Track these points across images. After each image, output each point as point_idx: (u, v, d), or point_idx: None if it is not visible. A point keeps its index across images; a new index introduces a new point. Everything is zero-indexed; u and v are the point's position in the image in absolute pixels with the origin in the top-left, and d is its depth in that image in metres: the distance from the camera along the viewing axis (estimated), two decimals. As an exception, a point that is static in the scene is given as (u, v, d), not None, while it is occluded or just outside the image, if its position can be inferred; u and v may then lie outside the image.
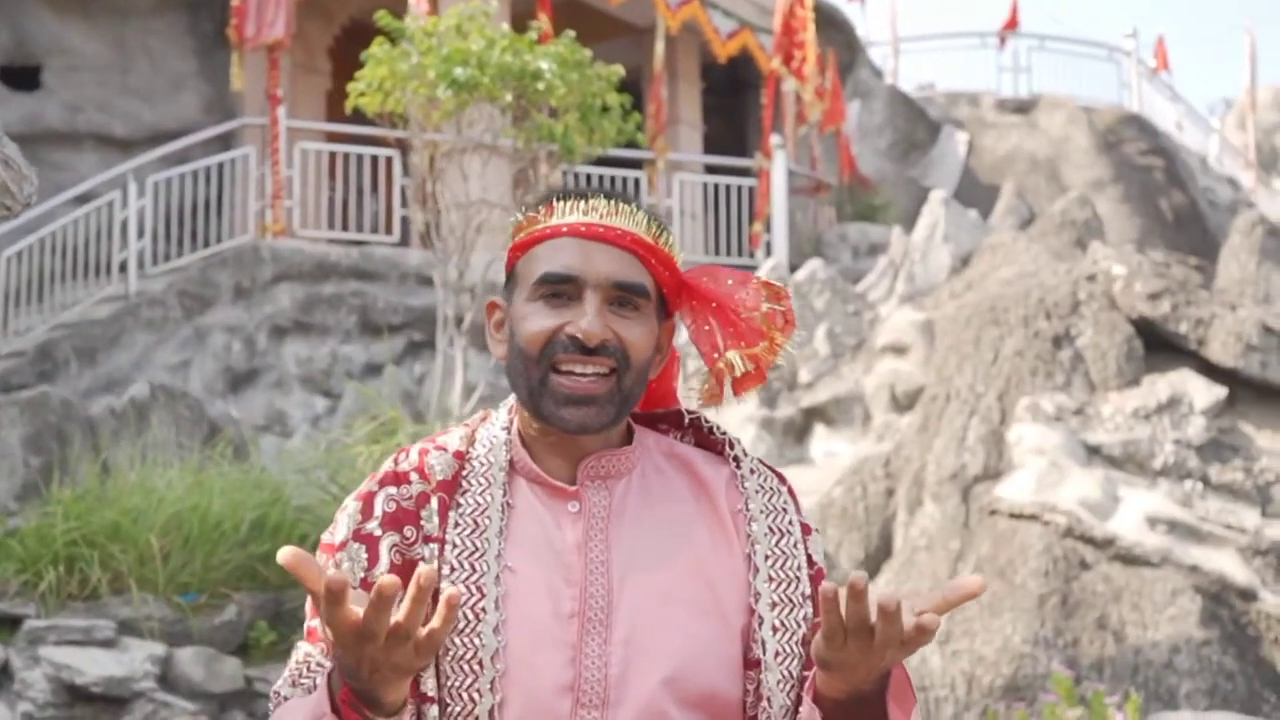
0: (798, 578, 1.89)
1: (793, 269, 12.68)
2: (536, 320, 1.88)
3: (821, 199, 15.48)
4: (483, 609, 1.80)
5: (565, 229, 1.93)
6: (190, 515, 6.75)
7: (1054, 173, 17.36)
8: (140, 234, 12.23)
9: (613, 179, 13.45)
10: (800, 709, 1.81)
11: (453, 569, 1.82)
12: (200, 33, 14.55)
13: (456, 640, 1.79)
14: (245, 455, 8.23)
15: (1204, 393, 8.50)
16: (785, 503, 1.95)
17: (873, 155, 17.07)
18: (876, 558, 8.86)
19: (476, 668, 1.79)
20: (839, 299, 11.65)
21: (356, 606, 1.54)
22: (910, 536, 8.60)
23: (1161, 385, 8.57)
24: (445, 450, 1.92)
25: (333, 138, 13.70)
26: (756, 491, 1.94)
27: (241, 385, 12.03)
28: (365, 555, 1.84)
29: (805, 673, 1.85)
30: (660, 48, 14.40)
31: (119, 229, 12.17)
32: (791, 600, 1.88)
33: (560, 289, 1.88)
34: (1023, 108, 19.03)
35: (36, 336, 11.40)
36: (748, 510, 1.92)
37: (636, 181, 13.86)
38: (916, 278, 11.67)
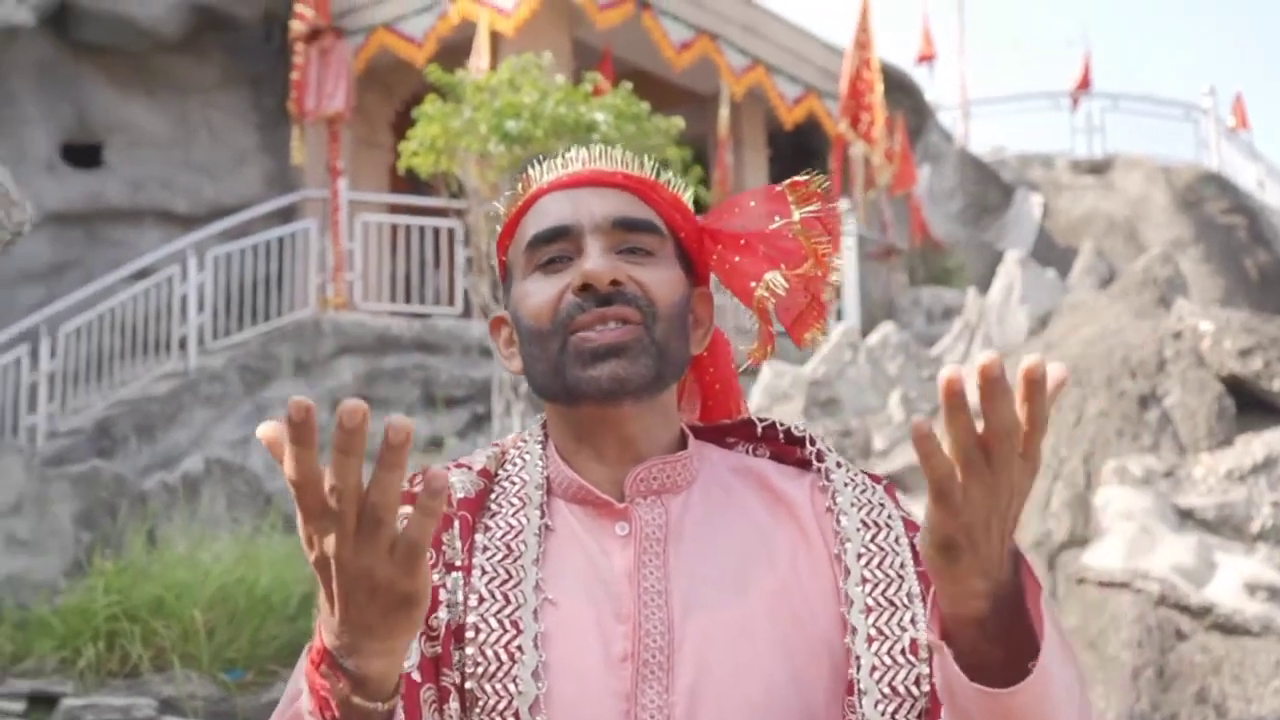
0: (900, 577, 1.52)
1: (865, 335, 12.39)
2: (537, 291, 1.58)
3: (893, 264, 15.19)
4: (518, 648, 1.46)
5: (546, 186, 1.64)
6: (237, 589, 6.49)
7: (1132, 233, 16.99)
8: (200, 309, 12.14)
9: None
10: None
11: (481, 599, 1.49)
12: (263, 108, 14.56)
13: (487, 687, 1.45)
14: (292, 526, 7.99)
15: (1302, 452, 8.12)
16: (881, 498, 1.59)
17: (944, 220, 16.79)
18: (959, 630, 8.54)
19: None
20: (913, 363, 11.34)
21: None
22: (994, 608, 8.29)
23: (1256, 445, 8.21)
24: (469, 469, 1.60)
25: (395, 210, 13.60)
26: (845, 485, 1.59)
27: (303, 461, 11.83)
28: None
29: (914, 688, 1.48)
30: (725, 113, 14.24)
31: (179, 305, 12.07)
32: (892, 603, 1.51)
33: (556, 249, 1.58)
34: (1098, 168, 18.71)
35: (95, 414, 11.30)
36: (836, 505, 1.57)
37: (703, 249, 13.65)
38: (993, 339, 11.32)
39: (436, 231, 12.90)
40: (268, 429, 1.16)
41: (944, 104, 20.77)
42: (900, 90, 17.27)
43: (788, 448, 1.67)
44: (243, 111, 14.55)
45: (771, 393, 11.15)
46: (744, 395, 1.76)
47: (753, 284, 1.62)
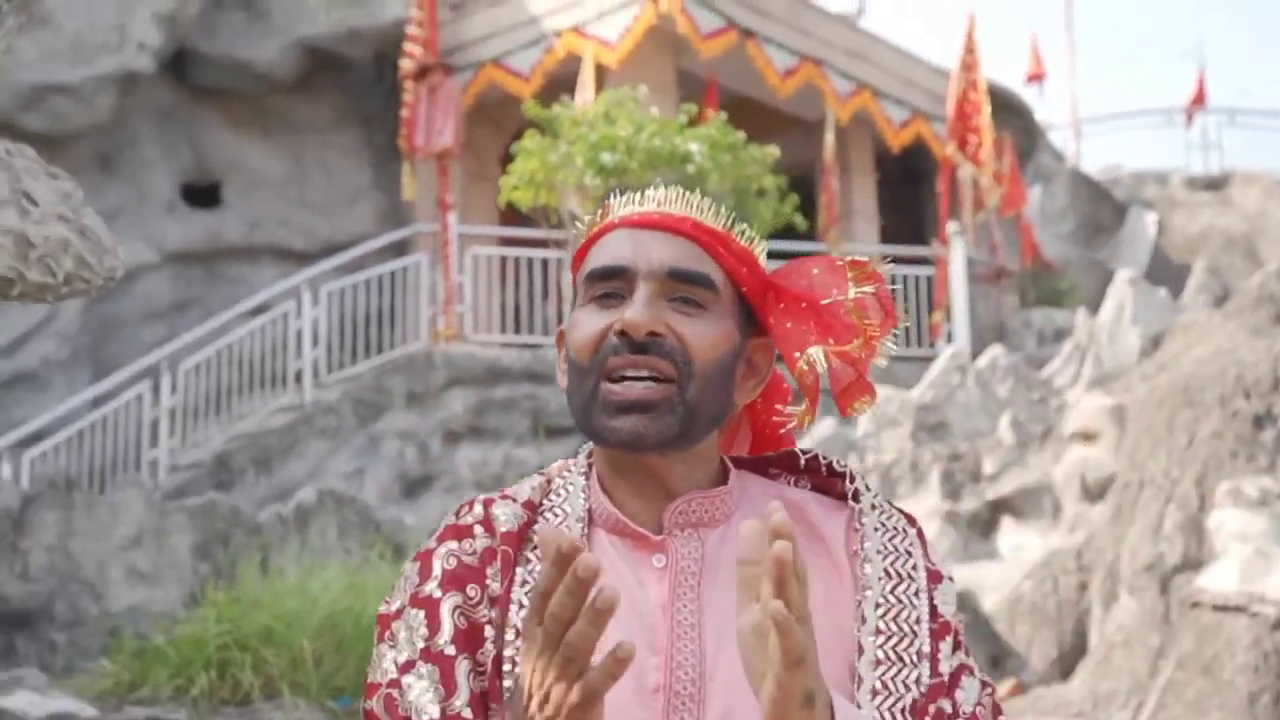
0: (914, 632, 1.57)
1: (975, 358, 12.29)
2: (586, 324, 1.62)
3: (1004, 285, 15.03)
4: None
5: (617, 221, 1.67)
6: (345, 617, 6.61)
7: (1250, 250, 16.64)
8: (315, 343, 12.39)
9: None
10: None
11: (518, 632, 1.55)
12: (375, 145, 14.85)
13: None
14: (403, 556, 8.12)
15: None
16: (910, 545, 1.63)
17: (1056, 240, 16.58)
18: (1070, 655, 8.42)
19: None
20: (1023, 386, 11.21)
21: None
22: (1106, 632, 8.17)
23: (1375, 464, 8.01)
24: (514, 500, 1.65)
25: (505, 242, 13.76)
26: (875, 530, 1.62)
27: (416, 491, 12.00)
28: (424, 621, 1.57)
29: None
30: (830, 139, 14.23)
31: (294, 340, 12.34)
32: (901, 659, 1.55)
33: (611, 286, 1.62)
34: (1214, 184, 18.37)
35: (214, 447, 11.59)
36: (862, 550, 1.61)
37: (810, 274, 13.60)
38: (1104, 361, 11.17)
39: (545, 263, 13.02)
40: (555, 537, 1.32)
41: (1055, 123, 20.59)
42: (1009, 110, 17.11)
43: (830, 480, 1.70)
44: (356, 149, 14.86)
45: (879, 418, 11.09)
46: (794, 440, 1.79)
47: (797, 354, 1.64)
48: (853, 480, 1.68)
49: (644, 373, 1.57)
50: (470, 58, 14.35)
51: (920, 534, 1.65)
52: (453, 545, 1.62)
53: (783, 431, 1.76)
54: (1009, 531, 10.13)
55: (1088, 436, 9.97)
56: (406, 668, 1.55)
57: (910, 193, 17.44)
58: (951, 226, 13.88)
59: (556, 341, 1.73)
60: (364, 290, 13.02)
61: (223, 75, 14.00)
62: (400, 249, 13.85)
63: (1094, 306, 13.02)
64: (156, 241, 13.64)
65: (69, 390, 12.45)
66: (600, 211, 1.71)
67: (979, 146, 14.31)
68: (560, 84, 13.29)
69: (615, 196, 1.71)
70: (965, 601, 8.89)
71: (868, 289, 1.65)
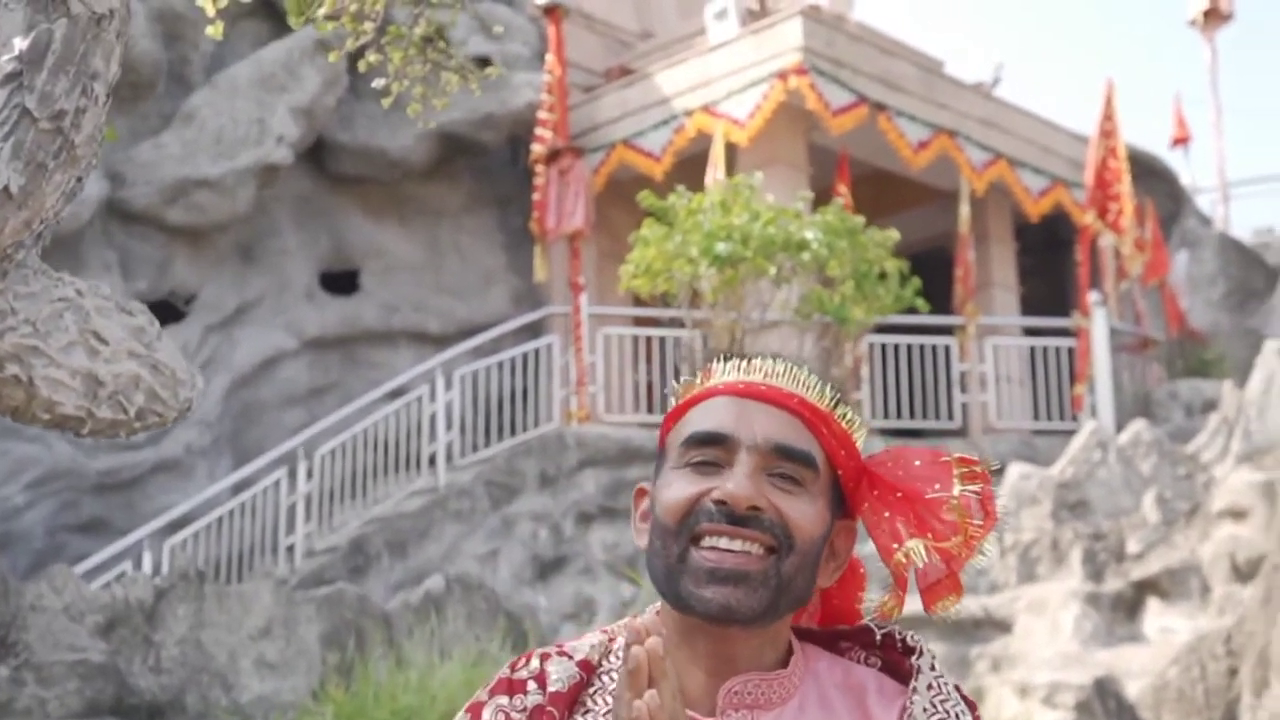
0: None
1: (1119, 430, 11.96)
2: (679, 487, 1.59)
3: (1149, 356, 14.64)
4: None
5: (721, 388, 1.65)
6: (463, 714, 6.59)
7: None
8: (449, 427, 12.50)
9: (920, 346, 13.05)
10: None
11: None
12: (509, 228, 15.00)
13: None
14: (524, 644, 8.10)
15: None
16: None
17: (1205, 307, 16.13)
18: (1220, 746, 8.11)
19: None
20: (1167, 461, 10.90)
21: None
22: (1258, 722, 7.85)
23: None
24: (569, 658, 1.64)
25: (637, 322, 13.77)
26: (924, 710, 1.59)
27: (549, 573, 12.01)
28: None
29: None
30: (965, 210, 14.02)
31: (428, 423, 12.46)
32: None
33: (710, 454, 1.60)
34: (1373, 246, 17.74)
35: (350, 532, 11.72)
36: None
37: (947, 349, 13.41)
38: (1254, 435, 10.78)
39: (677, 342, 13.00)
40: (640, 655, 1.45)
41: (1203, 187, 20.07)
42: (1153, 176, 16.73)
43: (902, 657, 1.67)
44: (490, 233, 15.03)
45: (1019, 495, 10.85)
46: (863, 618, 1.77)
47: (895, 545, 1.62)
48: (919, 656, 1.64)
49: (739, 544, 1.55)
50: (602, 139, 14.47)
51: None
52: (503, 701, 1.61)
53: (868, 618, 1.73)
54: (1155, 613, 9.83)
55: (1237, 514, 9.65)
56: None
57: (1055, 260, 17.12)
58: (1092, 296, 13.59)
59: (635, 496, 1.71)
60: (497, 373, 13.14)
61: (359, 164, 14.28)
62: (534, 331, 13.95)
63: (1245, 376, 12.61)
64: (296, 328, 13.91)
65: (210, 478, 12.70)
66: (702, 375, 1.70)
67: (1119, 214, 14.01)
68: (690, 163, 13.33)
69: (719, 361, 1.70)
70: (1107, 687, 8.62)
71: (973, 488, 1.62)
